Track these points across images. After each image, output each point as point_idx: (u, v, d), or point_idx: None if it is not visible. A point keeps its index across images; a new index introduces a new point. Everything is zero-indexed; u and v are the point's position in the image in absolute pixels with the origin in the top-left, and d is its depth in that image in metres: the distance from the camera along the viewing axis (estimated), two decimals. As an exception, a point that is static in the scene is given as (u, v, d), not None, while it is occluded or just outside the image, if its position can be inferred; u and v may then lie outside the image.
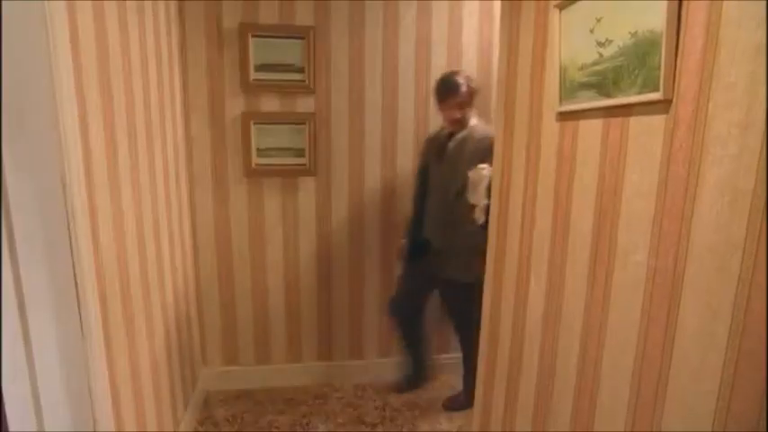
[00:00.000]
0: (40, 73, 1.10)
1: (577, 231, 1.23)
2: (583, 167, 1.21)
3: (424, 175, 2.47)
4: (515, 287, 1.59)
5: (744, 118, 0.75)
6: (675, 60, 0.88)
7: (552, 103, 1.32)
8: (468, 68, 2.60)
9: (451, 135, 2.31)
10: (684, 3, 0.86)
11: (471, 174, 2.14)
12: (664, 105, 0.91)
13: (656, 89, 0.91)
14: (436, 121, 2.54)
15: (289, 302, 2.73)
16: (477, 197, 2.12)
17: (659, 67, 0.90)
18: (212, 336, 2.70)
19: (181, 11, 2.37)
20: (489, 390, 1.82)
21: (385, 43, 2.58)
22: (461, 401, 2.50)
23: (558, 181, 1.32)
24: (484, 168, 2.08)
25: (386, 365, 2.82)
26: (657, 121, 0.94)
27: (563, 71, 1.25)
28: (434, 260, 2.35)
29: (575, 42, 1.18)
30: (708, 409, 0.82)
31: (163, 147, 2.00)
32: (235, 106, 2.52)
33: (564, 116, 1.28)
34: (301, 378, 2.79)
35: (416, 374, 2.70)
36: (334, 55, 2.55)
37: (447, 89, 2.25)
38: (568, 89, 1.23)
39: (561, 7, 1.23)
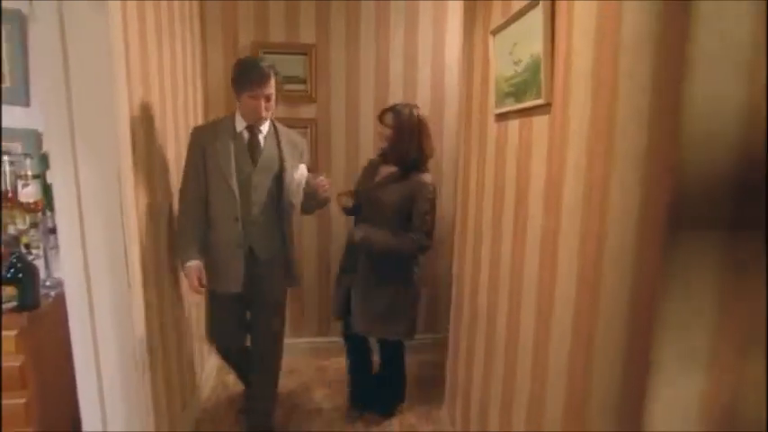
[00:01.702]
0: (104, 86, 1.50)
1: (508, 205, 1.59)
2: (510, 156, 1.57)
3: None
4: (473, 255, 1.95)
5: (586, 118, 1.11)
6: (552, 76, 1.24)
7: (492, 107, 1.69)
8: (450, 82, 2.98)
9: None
10: (555, 37, 1.22)
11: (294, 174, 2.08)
12: (546, 108, 1.28)
13: (540, 96, 1.28)
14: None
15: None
16: (297, 197, 2.07)
17: (542, 81, 1.26)
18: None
19: (203, 31, 2.79)
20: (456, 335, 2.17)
21: (377, 59, 2.98)
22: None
23: (497, 167, 1.68)
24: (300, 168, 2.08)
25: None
26: (544, 120, 1.30)
27: (496, 82, 1.62)
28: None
29: (502, 61, 1.55)
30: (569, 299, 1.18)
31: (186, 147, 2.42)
32: (247, 113, 2.93)
33: (498, 117, 1.65)
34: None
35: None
36: (333, 69, 2.95)
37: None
38: (500, 96, 1.60)
39: (494, 33, 1.60)
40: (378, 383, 2.55)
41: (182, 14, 2.34)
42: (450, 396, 2.30)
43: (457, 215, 2.19)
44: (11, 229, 1.91)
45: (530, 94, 1.36)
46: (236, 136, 2.01)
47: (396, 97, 3.01)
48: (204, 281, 2.02)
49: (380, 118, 2.23)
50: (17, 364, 1.76)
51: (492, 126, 1.71)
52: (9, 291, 1.80)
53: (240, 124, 2.02)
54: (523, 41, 1.38)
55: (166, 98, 2.10)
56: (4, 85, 1.97)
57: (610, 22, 1.00)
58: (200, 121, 2.71)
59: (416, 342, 2.63)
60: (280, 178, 2.07)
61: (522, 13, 1.36)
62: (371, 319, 2.25)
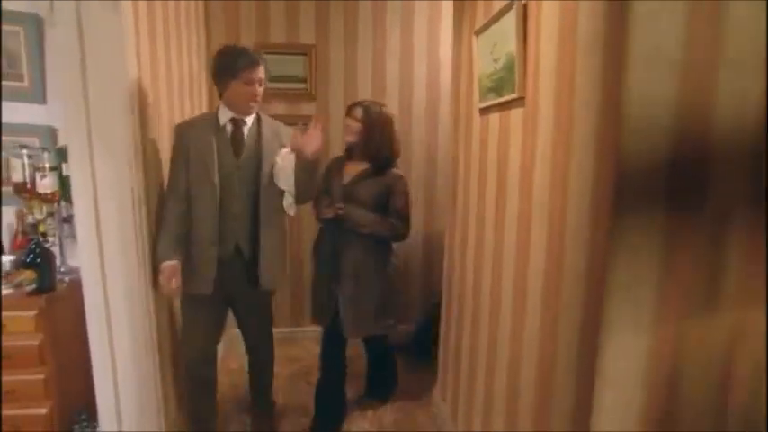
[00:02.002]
0: (118, 84, 1.64)
1: (490, 189, 1.71)
2: (491, 145, 1.69)
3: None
4: (462, 236, 2.07)
5: (551, 109, 1.23)
6: (524, 73, 1.37)
7: (476, 102, 1.81)
8: (445, 80, 3.10)
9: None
10: (527, 37, 1.34)
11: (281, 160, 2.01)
12: (521, 102, 1.40)
13: (515, 91, 1.40)
14: (420, 123, 3.05)
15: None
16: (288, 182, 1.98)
17: (516, 77, 1.39)
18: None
19: (207, 33, 2.93)
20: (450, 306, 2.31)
21: (374, 58, 3.10)
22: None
23: (481, 156, 1.81)
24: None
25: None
26: (519, 112, 1.42)
27: (480, 79, 1.74)
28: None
29: (484, 59, 1.68)
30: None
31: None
32: (250, 110, 3.06)
33: (482, 111, 1.77)
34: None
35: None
36: (331, 68, 3.08)
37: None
38: (483, 92, 1.72)
39: (477, 33, 1.73)
40: (373, 372, 2.63)
41: (187, 16, 2.48)
42: (442, 369, 2.42)
43: (448, 201, 2.30)
44: (29, 218, 2.05)
45: (507, 89, 1.48)
46: (220, 129, 1.92)
47: (392, 95, 3.14)
48: (179, 283, 1.90)
49: (348, 112, 2.21)
50: (36, 342, 1.90)
51: (477, 119, 1.84)
52: (28, 274, 1.94)
53: (224, 117, 1.94)
54: (501, 41, 1.51)
55: (174, 96, 2.23)
56: (22, 84, 2.11)
57: (569, 24, 1.12)
58: (204, 118, 2.85)
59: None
60: (264, 171, 1.97)
61: (499, 15, 1.48)
62: (363, 319, 2.22)
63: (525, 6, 1.35)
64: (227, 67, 1.86)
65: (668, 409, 1.07)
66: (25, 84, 2.11)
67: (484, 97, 1.71)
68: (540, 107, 1.29)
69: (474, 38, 1.76)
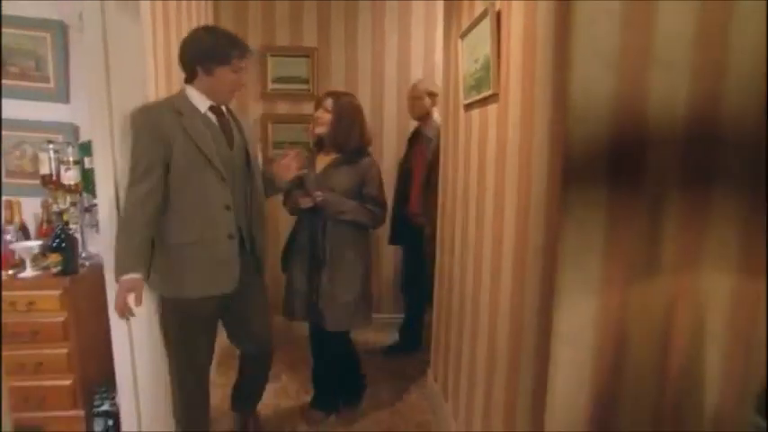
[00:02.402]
0: (138, 85, 1.82)
1: (472, 177, 1.88)
2: (474, 137, 1.86)
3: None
4: (451, 222, 2.24)
5: (518, 102, 1.39)
6: (498, 71, 1.53)
7: (461, 99, 1.97)
8: (440, 80, 3.26)
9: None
10: (501, 39, 1.51)
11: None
12: (495, 97, 1.56)
13: (491, 88, 1.56)
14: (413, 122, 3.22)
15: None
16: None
17: (491, 76, 1.55)
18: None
19: (216, 37, 3.12)
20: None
21: (373, 60, 3.28)
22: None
23: (466, 147, 1.97)
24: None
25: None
26: (495, 107, 1.59)
27: (464, 78, 1.90)
28: None
29: (467, 60, 1.84)
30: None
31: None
32: (256, 109, 3.26)
33: (466, 107, 1.94)
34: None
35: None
36: (333, 69, 3.26)
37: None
38: (466, 89, 1.89)
39: (462, 36, 1.89)
40: (340, 380, 2.48)
41: (198, 21, 2.67)
42: (434, 352, 2.58)
43: (440, 190, 2.47)
44: (54, 207, 2.24)
45: (485, 86, 1.64)
46: (205, 118, 1.80)
47: (390, 95, 3.31)
48: (140, 302, 1.68)
49: (319, 103, 2.22)
50: (61, 319, 2.09)
51: (462, 115, 2.00)
52: (54, 257, 2.13)
53: (203, 105, 1.80)
54: (480, 44, 1.67)
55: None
56: (48, 85, 2.31)
57: (530, 28, 1.29)
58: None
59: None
60: (253, 160, 1.95)
61: (477, 21, 1.65)
62: (341, 309, 2.22)
63: (499, 13, 1.51)
64: (219, 51, 1.73)
65: (616, 365, 1.22)
66: (51, 85, 2.31)
67: (467, 95, 1.88)
68: (510, 101, 1.45)
69: (459, 41, 1.92)
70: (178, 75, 2.29)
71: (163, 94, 2.07)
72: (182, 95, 1.81)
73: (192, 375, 2.00)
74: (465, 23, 1.91)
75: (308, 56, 3.23)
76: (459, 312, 2.09)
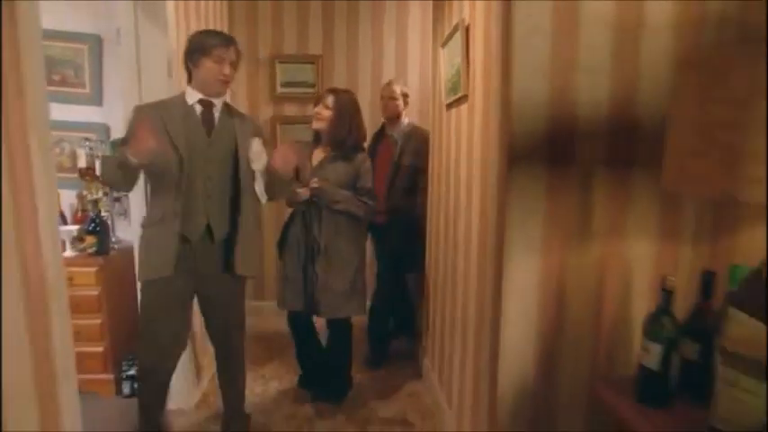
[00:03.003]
0: (164, 91, 2.13)
1: (451, 170, 2.15)
2: (453, 133, 2.13)
3: None
4: (437, 211, 2.51)
5: (480, 102, 1.67)
6: (467, 76, 1.81)
7: (444, 100, 2.25)
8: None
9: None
10: (470, 49, 1.79)
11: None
12: (465, 98, 1.84)
13: (462, 91, 1.84)
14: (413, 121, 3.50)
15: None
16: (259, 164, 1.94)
17: (462, 80, 1.83)
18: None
19: (230, 46, 3.44)
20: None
21: (373, 66, 3.58)
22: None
23: (448, 142, 2.25)
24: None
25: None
26: (466, 107, 1.86)
27: (444, 82, 2.18)
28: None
29: (447, 65, 2.12)
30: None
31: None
32: (266, 112, 3.57)
33: (447, 107, 2.21)
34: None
35: None
36: (336, 74, 3.57)
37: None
38: (447, 91, 2.16)
39: (443, 45, 2.18)
40: (329, 371, 2.53)
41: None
42: (426, 334, 2.85)
43: (429, 183, 2.74)
44: (89, 196, 2.56)
45: (458, 89, 1.92)
46: (189, 109, 1.85)
47: (389, 97, 3.59)
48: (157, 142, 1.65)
49: (319, 100, 2.31)
50: (96, 293, 2.41)
51: (444, 114, 2.28)
52: (90, 240, 2.45)
53: (192, 98, 1.85)
54: (454, 52, 1.95)
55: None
56: (84, 91, 2.64)
57: (487, 41, 1.56)
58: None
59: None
60: (236, 155, 1.89)
61: (452, 33, 1.94)
62: (335, 297, 2.28)
63: (468, 27, 1.79)
64: (199, 43, 1.81)
65: (557, 317, 1.48)
66: (87, 90, 2.64)
67: (447, 96, 2.16)
68: (475, 102, 1.73)
69: (440, 49, 2.20)
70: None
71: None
72: (180, 93, 1.91)
73: (147, 358, 1.95)
74: (446, 33, 2.20)
75: (313, 62, 3.54)
76: (443, 288, 2.36)
